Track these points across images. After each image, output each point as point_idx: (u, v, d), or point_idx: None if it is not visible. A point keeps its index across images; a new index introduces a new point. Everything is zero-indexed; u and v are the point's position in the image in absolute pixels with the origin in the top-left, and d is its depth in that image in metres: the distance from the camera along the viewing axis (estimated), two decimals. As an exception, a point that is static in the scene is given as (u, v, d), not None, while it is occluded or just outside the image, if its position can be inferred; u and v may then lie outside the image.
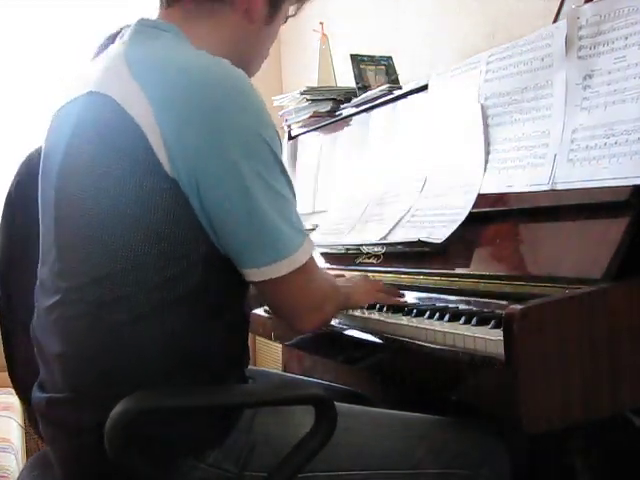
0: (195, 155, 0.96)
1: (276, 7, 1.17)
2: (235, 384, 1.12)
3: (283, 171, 1.04)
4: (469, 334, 1.09)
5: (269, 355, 3.09)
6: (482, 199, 1.38)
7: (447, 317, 1.21)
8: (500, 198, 1.34)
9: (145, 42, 1.06)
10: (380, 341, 1.27)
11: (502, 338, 0.96)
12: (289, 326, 1.14)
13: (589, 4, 1.27)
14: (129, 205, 0.97)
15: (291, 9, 1.23)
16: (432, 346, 1.15)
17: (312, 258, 1.08)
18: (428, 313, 1.26)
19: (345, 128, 2.10)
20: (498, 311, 1.11)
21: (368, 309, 1.42)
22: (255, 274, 1.02)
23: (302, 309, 1.11)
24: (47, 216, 1.10)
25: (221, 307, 1.05)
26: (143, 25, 1.09)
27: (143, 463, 0.96)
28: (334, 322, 1.44)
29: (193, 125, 0.96)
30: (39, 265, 1.12)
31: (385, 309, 1.38)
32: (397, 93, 1.83)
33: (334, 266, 1.73)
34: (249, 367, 1.27)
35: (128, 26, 1.11)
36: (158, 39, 1.06)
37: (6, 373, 1.30)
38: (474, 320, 1.15)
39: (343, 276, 1.52)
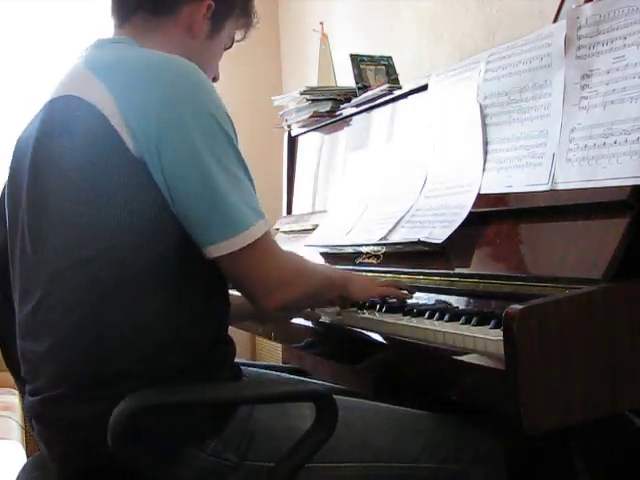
0: (156, 133, 1.02)
1: (218, 24, 1.25)
2: (234, 381, 1.14)
3: (236, 152, 1.08)
4: (469, 334, 1.09)
5: (269, 355, 3.10)
6: (482, 199, 1.38)
7: (447, 317, 1.21)
8: (500, 198, 1.34)
9: (102, 51, 1.15)
10: (381, 341, 1.27)
11: (502, 338, 0.96)
12: (252, 304, 1.14)
13: (589, 4, 1.27)
14: (100, 188, 1.02)
15: (238, 33, 1.31)
16: (432, 346, 1.15)
17: (269, 236, 1.09)
18: (428, 313, 1.26)
19: (345, 128, 2.10)
20: (498, 311, 1.11)
21: (368, 309, 1.42)
22: (211, 251, 1.04)
23: (262, 287, 1.10)
24: (18, 219, 1.12)
25: (202, 288, 1.08)
26: (100, 42, 1.17)
27: (144, 457, 0.97)
28: (334, 321, 1.44)
29: (152, 110, 1.02)
30: (11, 275, 1.15)
31: (385, 309, 1.38)
32: (397, 93, 1.83)
33: (334, 266, 1.73)
34: (247, 368, 1.27)
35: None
36: (115, 47, 1.15)
37: (6, 373, 1.30)
38: (474, 320, 1.15)
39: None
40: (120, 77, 1.05)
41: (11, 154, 1.20)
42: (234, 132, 1.09)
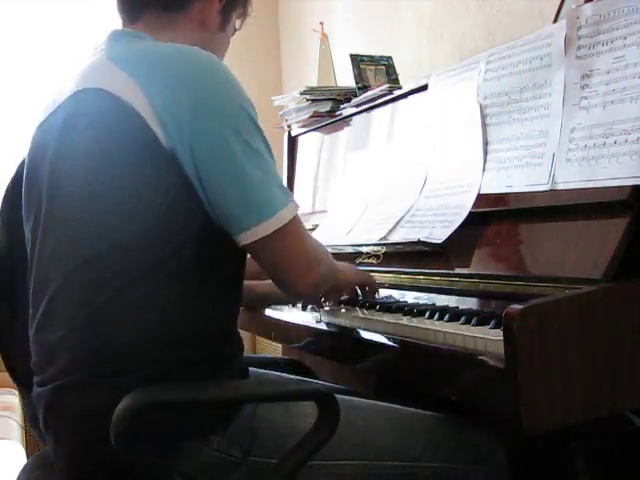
0: (188, 125, 1.03)
1: (227, 16, 1.28)
2: (238, 380, 1.15)
3: (262, 135, 1.09)
4: (469, 334, 1.09)
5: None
6: (482, 199, 1.38)
7: (447, 317, 1.21)
8: (500, 198, 1.34)
9: (123, 44, 1.15)
10: (381, 341, 1.27)
11: (502, 338, 0.96)
12: (284, 290, 1.17)
13: (589, 4, 1.27)
14: (129, 183, 1.03)
15: (237, 22, 1.34)
16: (432, 346, 1.15)
17: (298, 218, 1.11)
18: (428, 313, 1.26)
19: (345, 128, 2.10)
20: (498, 311, 1.11)
21: (368, 309, 1.42)
22: (247, 236, 1.06)
23: (295, 269, 1.12)
24: (37, 212, 1.13)
25: (216, 282, 1.09)
26: (117, 34, 1.18)
27: (148, 452, 0.98)
28: (334, 321, 1.44)
29: (182, 101, 1.03)
30: (29, 267, 1.15)
31: (385, 309, 1.39)
32: (397, 93, 1.83)
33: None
34: (250, 368, 1.28)
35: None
36: (134, 41, 1.15)
37: (6, 373, 1.30)
38: (474, 320, 1.15)
39: None
40: (146, 70, 1.06)
41: (29, 148, 1.19)
42: (256, 115, 1.10)
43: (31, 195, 1.16)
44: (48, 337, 1.09)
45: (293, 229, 1.09)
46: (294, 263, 1.12)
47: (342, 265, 1.41)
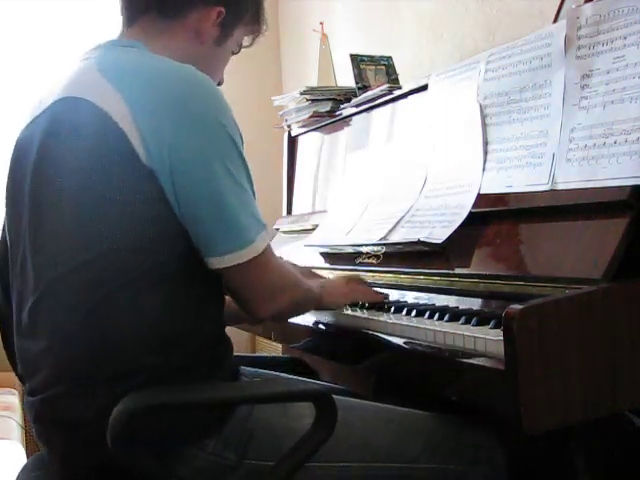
0: (169, 147, 1.02)
1: (227, 30, 1.25)
2: (233, 380, 1.15)
3: (244, 163, 1.10)
4: (469, 334, 1.09)
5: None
6: (482, 199, 1.38)
7: (447, 317, 1.21)
8: (500, 198, 1.34)
9: (114, 54, 1.14)
10: (380, 341, 1.27)
11: (502, 338, 0.96)
12: (246, 313, 1.17)
13: (589, 4, 1.27)
14: (111, 194, 1.03)
15: (246, 39, 1.32)
16: (432, 346, 1.15)
17: (269, 247, 1.12)
18: (428, 313, 1.26)
19: (345, 128, 2.10)
20: (498, 311, 1.11)
21: (368, 309, 1.42)
22: (217, 262, 1.07)
23: (257, 296, 1.13)
24: (18, 219, 1.13)
25: (205, 284, 1.10)
26: (111, 44, 1.17)
27: (145, 457, 0.98)
28: (334, 321, 1.44)
29: (167, 120, 1.03)
30: (11, 273, 1.16)
31: (385, 309, 1.38)
32: (397, 93, 1.83)
33: (334, 266, 1.73)
34: (247, 368, 1.28)
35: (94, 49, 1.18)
36: (127, 52, 1.14)
37: (6, 373, 1.30)
38: (474, 320, 1.15)
39: (320, 277, 1.55)
40: (135, 86, 1.05)
41: (11, 153, 1.19)
42: (242, 143, 1.10)
43: (13, 202, 1.16)
44: (32, 347, 1.08)
45: (264, 259, 1.10)
46: (257, 291, 1.12)
47: (332, 287, 1.42)
